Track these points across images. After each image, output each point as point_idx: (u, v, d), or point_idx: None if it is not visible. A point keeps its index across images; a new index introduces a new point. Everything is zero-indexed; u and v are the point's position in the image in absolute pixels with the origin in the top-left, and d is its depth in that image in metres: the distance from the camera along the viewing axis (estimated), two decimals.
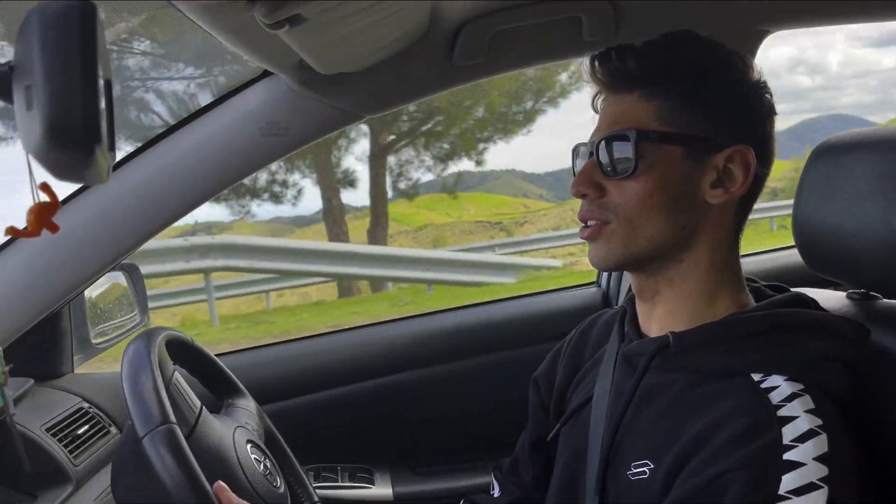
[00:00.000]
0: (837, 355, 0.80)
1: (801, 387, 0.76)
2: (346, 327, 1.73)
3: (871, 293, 0.99)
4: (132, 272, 1.45)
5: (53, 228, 0.43)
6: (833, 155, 0.96)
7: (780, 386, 0.76)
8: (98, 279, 1.25)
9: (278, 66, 1.06)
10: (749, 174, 0.84)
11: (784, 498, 0.69)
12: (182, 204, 1.20)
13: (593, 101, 0.93)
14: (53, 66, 0.40)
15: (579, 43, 1.13)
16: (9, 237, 0.41)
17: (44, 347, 1.29)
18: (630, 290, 0.94)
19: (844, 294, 1.02)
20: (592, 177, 0.87)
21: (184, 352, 1.05)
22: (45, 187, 0.44)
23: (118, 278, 1.44)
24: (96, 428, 1.26)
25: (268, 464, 1.01)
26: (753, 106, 0.87)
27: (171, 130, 1.20)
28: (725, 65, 0.86)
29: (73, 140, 0.40)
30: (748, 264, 0.90)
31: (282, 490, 1.00)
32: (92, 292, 1.42)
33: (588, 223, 0.88)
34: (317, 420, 1.53)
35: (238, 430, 1.02)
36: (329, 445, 1.53)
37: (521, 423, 1.17)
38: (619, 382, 0.92)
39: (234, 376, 1.14)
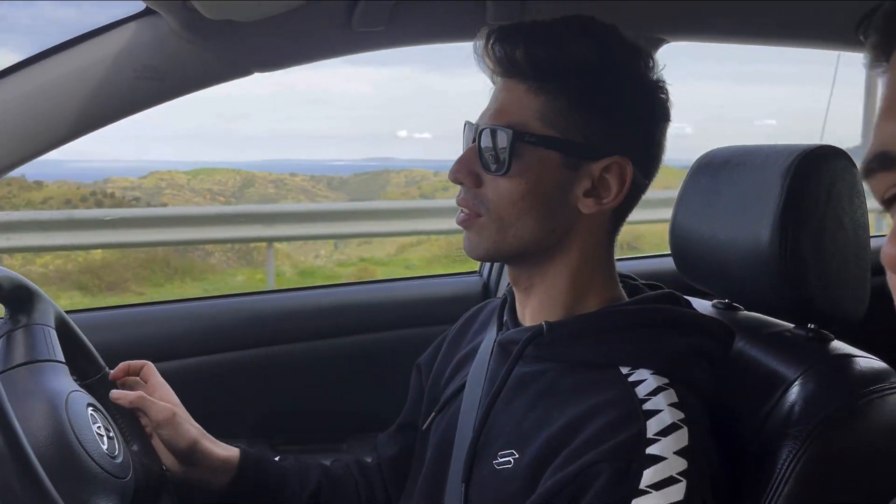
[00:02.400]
0: (705, 352, 0.82)
1: (667, 381, 0.78)
2: (227, 294, 1.66)
3: (734, 304, 1.03)
4: None
5: None
6: (712, 169, 0.99)
7: (646, 380, 0.78)
8: None
9: (162, 4, 0.98)
10: (624, 187, 0.84)
11: (644, 492, 0.70)
12: (35, 145, 1.09)
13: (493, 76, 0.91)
14: None
15: (484, 25, 1.12)
16: None
17: None
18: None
19: (710, 303, 1.06)
20: (471, 165, 0.86)
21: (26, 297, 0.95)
22: None
23: None
24: None
25: (109, 430, 0.92)
26: (645, 111, 0.86)
27: (34, 59, 1.08)
28: (622, 61, 0.85)
29: None
30: (623, 268, 0.92)
31: (120, 460, 0.91)
32: None
33: (463, 210, 0.87)
34: (177, 387, 1.45)
35: (74, 394, 0.91)
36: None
37: (387, 409, 1.14)
38: (493, 370, 0.91)
39: (82, 335, 1.05)
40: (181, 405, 1.04)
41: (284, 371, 1.53)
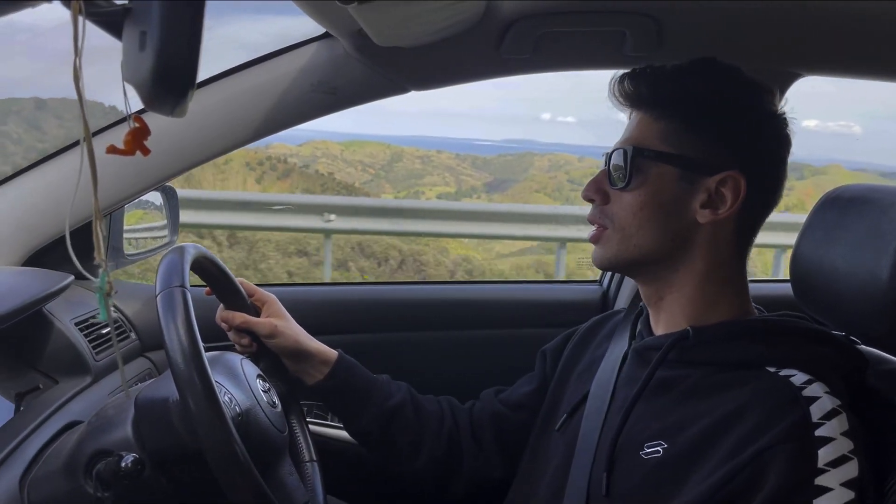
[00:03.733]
0: (842, 366, 0.87)
1: (814, 377, 0.83)
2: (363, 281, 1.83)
3: (851, 337, 1.07)
4: (169, 194, 1.55)
5: (145, 151, 0.51)
6: (840, 204, 1.02)
7: (796, 374, 0.83)
8: (141, 197, 1.36)
9: (339, 31, 1.14)
10: (738, 199, 0.90)
11: (824, 470, 0.74)
12: (231, 140, 1.29)
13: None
14: (171, 17, 0.48)
15: (621, 55, 1.21)
16: (108, 153, 0.49)
17: (85, 250, 1.39)
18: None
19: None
20: (600, 184, 0.96)
21: (213, 269, 1.10)
22: (139, 118, 0.52)
23: (156, 199, 1.54)
24: (119, 331, 1.37)
25: (276, 400, 1.05)
26: (762, 135, 0.93)
27: (231, 71, 1.29)
28: (739, 91, 0.93)
29: (176, 83, 0.49)
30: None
31: (279, 409, 1.04)
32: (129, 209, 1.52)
33: (593, 227, 0.97)
34: None
35: (245, 361, 1.05)
36: None
37: None
38: (629, 375, 0.98)
39: (246, 296, 1.18)
40: (287, 316, 1.18)
41: (413, 357, 1.66)
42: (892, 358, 1.00)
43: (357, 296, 1.72)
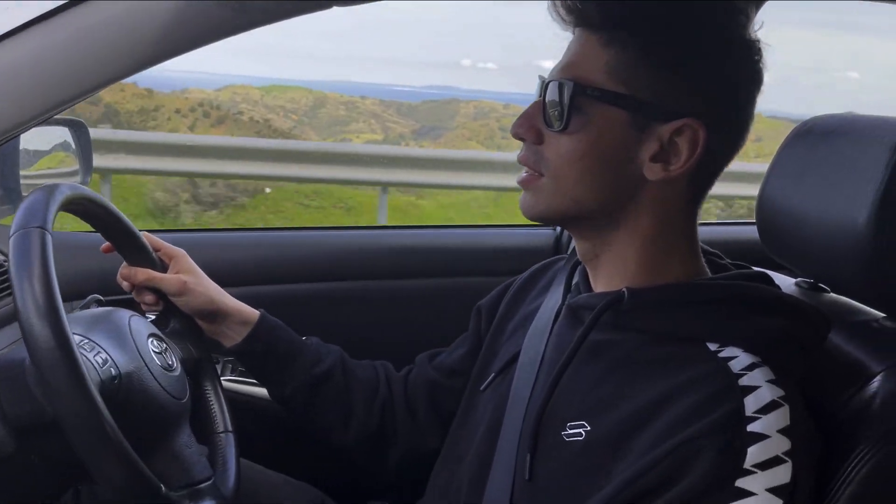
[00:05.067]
0: (799, 338, 0.77)
1: (759, 359, 0.73)
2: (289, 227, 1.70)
3: (820, 284, 0.98)
4: (78, 129, 1.38)
5: None
6: (812, 138, 0.93)
7: (738, 356, 0.73)
8: (30, 128, 1.16)
9: None
10: (695, 153, 0.77)
11: (749, 472, 0.66)
12: (120, 66, 1.08)
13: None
14: None
15: None
16: None
17: None
18: None
19: (794, 280, 1.01)
20: (533, 121, 0.82)
21: (103, 215, 0.96)
22: None
23: (65, 135, 1.35)
24: (6, 284, 1.18)
25: (173, 362, 0.94)
26: (730, 72, 0.78)
27: None
28: (707, 13, 0.77)
29: None
30: (703, 234, 0.87)
31: (178, 373, 0.94)
32: (30, 144, 1.35)
33: (525, 169, 0.83)
34: None
35: (134, 319, 0.94)
36: None
37: None
38: (560, 335, 0.87)
39: (150, 250, 1.07)
40: (198, 271, 1.08)
41: (353, 307, 1.54)
42: (864, 307, 0.92)
43: (282, 241, 1.58)
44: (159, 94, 7.74)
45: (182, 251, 1.09)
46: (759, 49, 0.79)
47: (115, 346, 0.86)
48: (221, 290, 1.09)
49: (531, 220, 0.87)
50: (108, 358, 0.83)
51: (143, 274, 1.04)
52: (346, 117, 10.67)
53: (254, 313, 1.09)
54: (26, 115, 1.08)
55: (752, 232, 1.03)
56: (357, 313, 1.55)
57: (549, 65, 0.85)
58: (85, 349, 0.82)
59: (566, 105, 0.77)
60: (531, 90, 0.86)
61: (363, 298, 1.56)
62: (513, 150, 0.85)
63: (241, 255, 1.51)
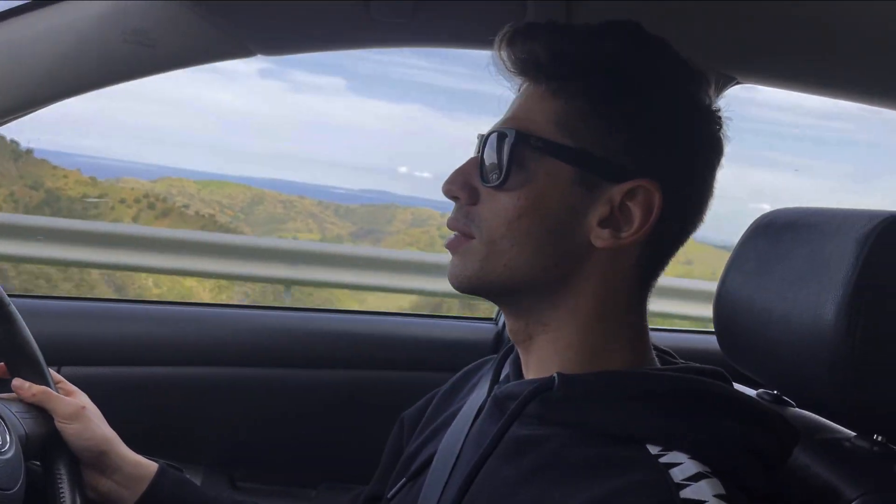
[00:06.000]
0: (760, 451, 0.64)
1: (708, 469, 0.60)
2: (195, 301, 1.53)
3: (784, 397, 0.88)
4: None
5: None
6: (773, 231, 0.85)
7: (682, 463, 0.60)
8: None
9: None
10: (649, 220, 0.67)
11: None
12: (12, 101, 0.97)
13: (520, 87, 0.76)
14: None
15: None
16: None
17: None
18: None
19: (756, 392, 0.91)
20: (469, 178, 0.71)
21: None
22: None
23: None
24: None
25: (6, 443, 0.80)
26: (688, 134, 0.70)
27: (14, 12, 0.96)
28: (665, 73, 0.70)
29: None
30: (657, 339, 0.77)
31: (12, 490, 0.78)
32: None
33: (454, 233, 0.72)
34: (136, 394, 1.32)
35: None
36: (140, 428, 1.30)
37: (371, 459, 1.00)
38: (481, 431, 0.74)
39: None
40: (96, 410, 0.94)
41: (261, 396, 1.39)
42: (832, 424, 0.83)
43: (189, 317, 1.41)
44: (103, 183, 7.55)
45: (82, 393, 0.96)
46: (719, 119, 0.72)
47: None
48: (118, 436, 0.94)
49: (458, 290, 0.73)
50: None
51: (38, 389, 0.90)
52: (283, 215, 10.61)
53: (151, 464, 0.94)
54: None
55: (710, 341, 0.94)
56: (269, 404, 1.40)
57: None
58: None
59: (506, 156, 0.67)
60: None
61: (277, 389, 1.41)
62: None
63: (139, 330, 1.35)
